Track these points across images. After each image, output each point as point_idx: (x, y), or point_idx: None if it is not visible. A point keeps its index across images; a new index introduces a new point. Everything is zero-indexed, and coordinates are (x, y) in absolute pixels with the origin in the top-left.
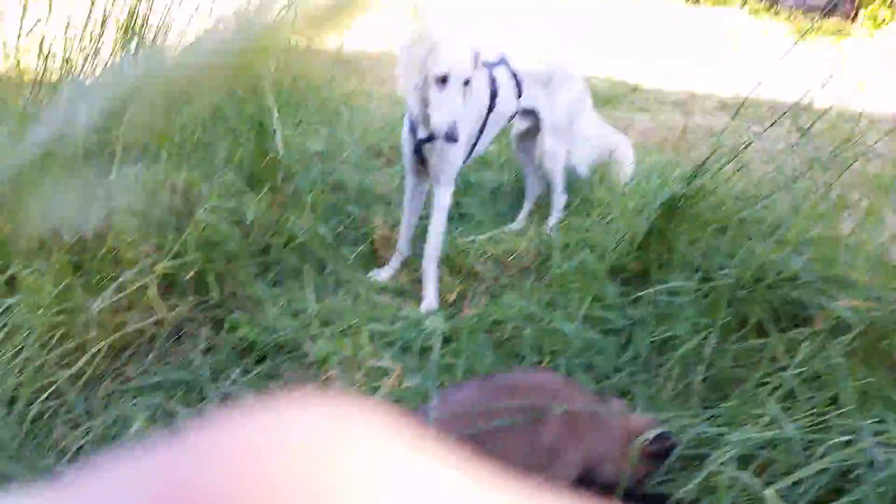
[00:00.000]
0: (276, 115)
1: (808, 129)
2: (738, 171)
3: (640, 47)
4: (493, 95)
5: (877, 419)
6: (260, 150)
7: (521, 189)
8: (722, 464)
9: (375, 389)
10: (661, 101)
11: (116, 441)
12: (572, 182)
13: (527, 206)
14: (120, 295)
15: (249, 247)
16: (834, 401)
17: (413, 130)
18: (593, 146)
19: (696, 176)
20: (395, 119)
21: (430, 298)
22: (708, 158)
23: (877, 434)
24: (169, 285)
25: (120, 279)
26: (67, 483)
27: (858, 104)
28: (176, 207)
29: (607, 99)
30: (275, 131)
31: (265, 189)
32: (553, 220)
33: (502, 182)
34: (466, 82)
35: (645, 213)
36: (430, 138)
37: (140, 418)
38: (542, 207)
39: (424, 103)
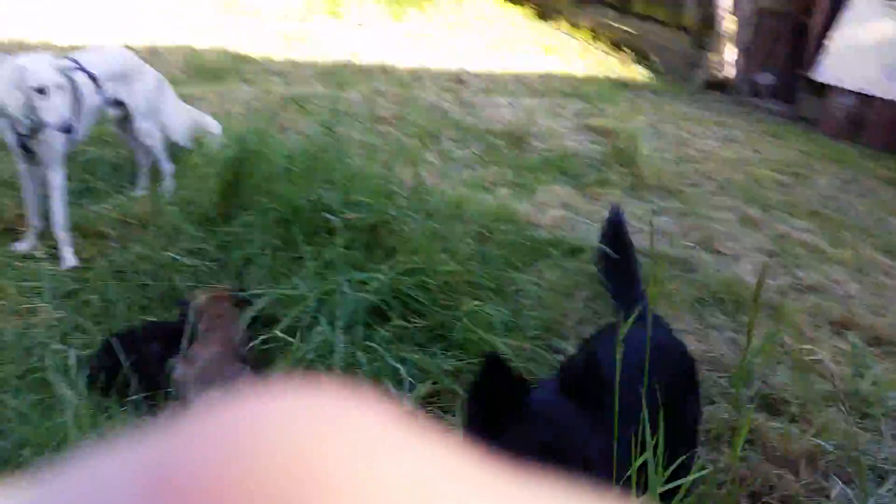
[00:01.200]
0: None
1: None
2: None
3: (238, 19)
4: (76, 92)
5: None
6: None
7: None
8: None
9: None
10: (267, 71)
11: None
12: (177, 151)
13: (142, 175)
14: None
15: None
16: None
17: (11, 128)
18: (185, 122)
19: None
20: None
21: (67, 257)
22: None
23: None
24: None
25: None
26: (52, 478)
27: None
28: None
29: (215, 73)
30: None
31: None
32: (166, 184)
33: (122, 156)
34: (60, 88)
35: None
36: (31, 134)
37: None
38: (157, 174)
39: (26, 110)
